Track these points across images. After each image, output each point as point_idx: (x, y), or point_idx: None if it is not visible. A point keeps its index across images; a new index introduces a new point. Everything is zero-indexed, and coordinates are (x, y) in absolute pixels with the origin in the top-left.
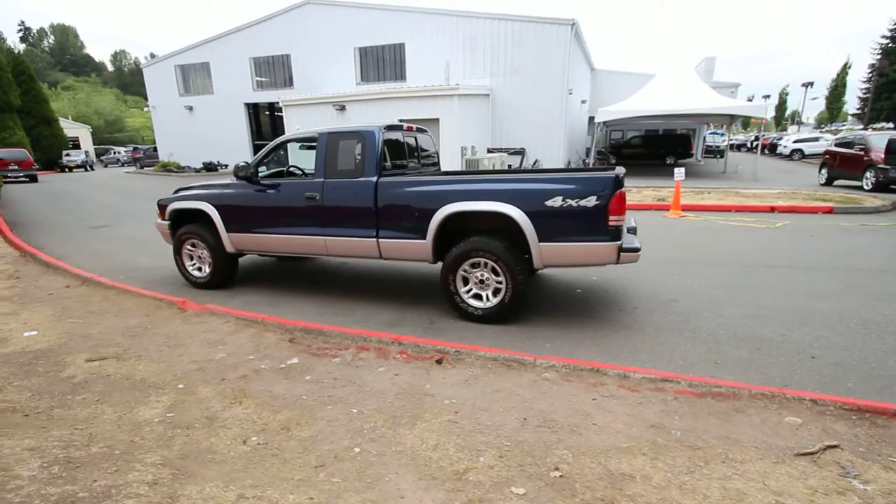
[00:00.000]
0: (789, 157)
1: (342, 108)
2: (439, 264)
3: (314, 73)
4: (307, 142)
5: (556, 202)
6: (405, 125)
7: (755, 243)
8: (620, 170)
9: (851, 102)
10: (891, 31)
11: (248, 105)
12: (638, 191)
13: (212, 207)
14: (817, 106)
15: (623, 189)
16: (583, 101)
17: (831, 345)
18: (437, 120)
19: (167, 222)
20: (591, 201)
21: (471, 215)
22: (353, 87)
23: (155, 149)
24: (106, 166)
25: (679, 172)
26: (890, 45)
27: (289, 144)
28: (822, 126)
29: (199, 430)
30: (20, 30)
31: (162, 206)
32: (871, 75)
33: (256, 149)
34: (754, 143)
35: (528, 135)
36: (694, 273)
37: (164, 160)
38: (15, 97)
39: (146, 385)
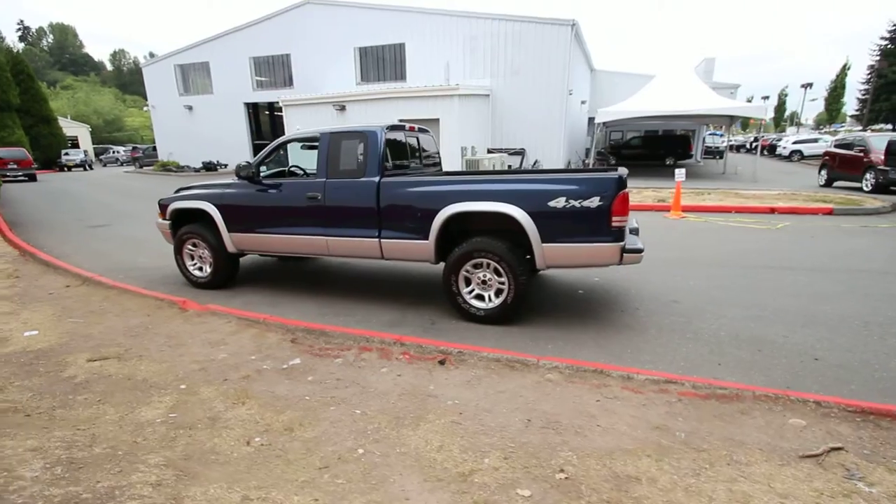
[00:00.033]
0: (788, 158)
1: (342, 108)
2: (441, 265)
3: (314, 72)
4: (309, 141)
5: (559, 203)
6: (407, 125)
7: (756, 244)
8: (623, 171)
9: (850, 104)
10: (890, 32)
11: (247, 105)
12: (638, 191)
13: (213, 207)
14: (816, 107)
15: (626, 190)
16: (583, 102)
17: (834, 346)
18: (437, 120)
19: (168, 222)
20: (594, 202)
21: (473, 216)
22: (353, 87)
23: (154, 148)
24: (105, 166)
25: (680, 173)
26: (889, 46)
27: (290, 144)
28: (821, 127)
29: (202, 430)
30: (19, 29)
31: (163, 206)
32: (870, 77)
33: (256, 148)
34: (753, 144)
35: (528, 135)
36: (695, 274)
37: (164, 160)
38: (14, 96)
39: (148, 385)
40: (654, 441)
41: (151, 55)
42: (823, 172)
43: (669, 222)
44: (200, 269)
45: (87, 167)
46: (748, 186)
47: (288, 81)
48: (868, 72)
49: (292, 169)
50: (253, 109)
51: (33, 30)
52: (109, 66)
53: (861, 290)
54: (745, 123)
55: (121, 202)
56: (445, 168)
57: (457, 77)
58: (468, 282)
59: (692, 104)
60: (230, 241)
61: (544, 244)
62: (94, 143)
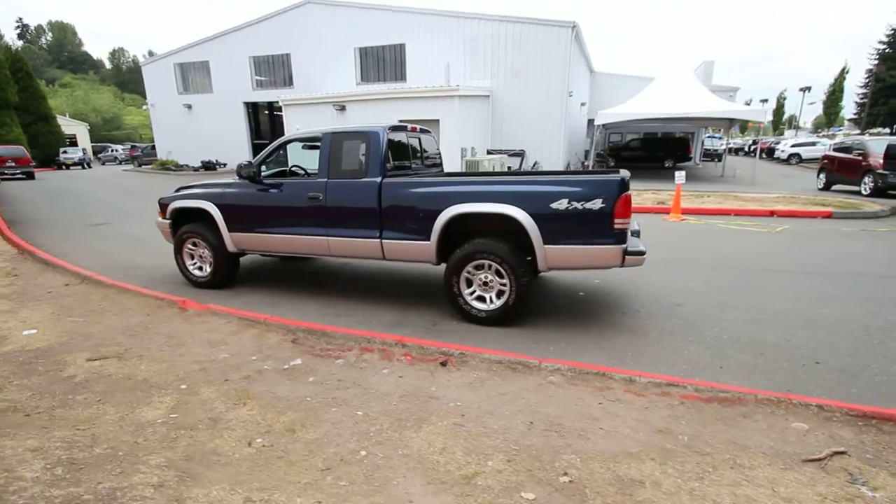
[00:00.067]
0: (787, 161)
1: (342, 109)
2: (442, 266)
3: (314, 72)
4: (311, 141)
5: (562, 205)
6: (409, 126)
7: (756, 247)
8: (626, 173)
9: (848, 107)
10: (888, 36)
11: (247, 104)
12: (637, 194)
13: (214, 206)
14: (814, 110)
15: (629, 192)
16: (582, 104)
17: (835, 350)
18: (437, 121)
19: (168, 221)
20: (596, 204)
21: (475, 217)
22: (353, 88)
23: (153, 147)
24: (103, 164)
25: (680, 175)
26: (887, 50)
27: (291, 144)
28: (819, 131)
29: (203, 431)
30: (18, 26)
31: (163, 205)
32: (868, 80)
33: (255, 148)
34: (752, 147)
35: (527, 136)
36: (696, 276)
37: (163, 158)
38: (12, 94)
39: (148, 385)
40: (657, 444)
41: (151, 54)
42: (822, 176)
43: (669, 224)
44: (200, 268)
45: (85, 165)
46: (747, 189)
47: (288, 81)
48: (866, 76)
49: (293, 169)
50: (252, 109)
51: (32, 27)
52: (108, 65)
53: (861, 294)
54: (744, 126)
55: (120, 200)
56: (445, 169)
57: (457, 78)
58: (469, 283)
59: (691, 107)
60: (230, 240)
61: (546, 246)
62: (92, 142)
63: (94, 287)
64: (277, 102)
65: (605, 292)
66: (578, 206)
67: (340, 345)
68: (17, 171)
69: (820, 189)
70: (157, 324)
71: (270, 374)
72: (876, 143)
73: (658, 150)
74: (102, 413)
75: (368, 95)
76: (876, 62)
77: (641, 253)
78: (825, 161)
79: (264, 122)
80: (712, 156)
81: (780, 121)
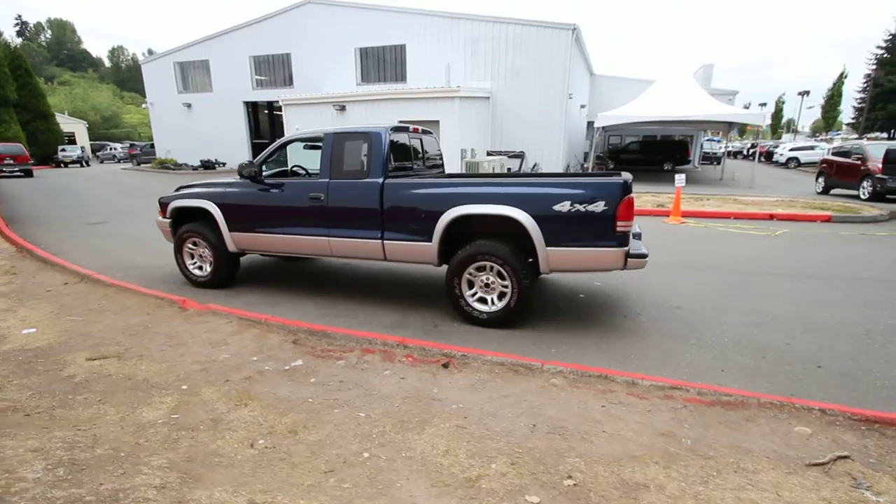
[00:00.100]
0: (785, 165)
1: (342, 109)
2: (443, 267)
3: (314, 72)
4: (313, 141)
5: (564, 207)
6: (411, 127)
7: (756, 251)
8: (628, 175)
9: (847, 112)
10: (886, 41)
11: (247, 103)
12: (637, 196)
13: (214, 206)
14: (813, 114)
15: (631, 195)
16: (582, 106)
17: (836, 354)
18: (437, 122)
19: (168, 220)
20: (599, 206)
21: (477, 218)
22: (353, 88)
23: (152, 145)
24: (102, 162)
25: (680, 178)
26: (885, 55)
27: (292, 144)
28: (817, 135)
29: (205, 432)
30: (17, 24)
31: (163, 204)
32: (866, 85)
33: (255, 147)
34: (751, 151)
35: (527, 138)
36: (696, 279)
37: (162, 157)
38: (11, 91)
39: (149, 385)
40: (660, 448)
41: (150, 52)
42: (821, 180)
43: (669, 227)
44: (200, 268)
45: (83, 164)
46: (746, 192)
47: (288, 81)
48: (865, 80)
49: (295, 169)
50: (252, 108)
51: (31, 25)
52: (108, 63)
53: (861, 298)
54: (742, 130)
55: (119, 199)
56: (446, 170)
57: (457, 79)
58: (471, 285)
59: (691, 110)
60: (231, 240)
61: (548, 248)
62: (91, 140)
63: (94, 286)
64: (277, 102)
65: (606, 295)
66: (581, 208)
67: (342, 346)
68: (16, 169)
69: (819, 193)
70: (157, 323)
71: (272, 375)
72: (875, 148)
73: (657, 152)
74: (103, 413)
75: (369, 96)
76: (874, 67)
77: (644, 256)
78: (824, 165)
79: (264, 122)
80: (711, 159)
81: (779, 125)
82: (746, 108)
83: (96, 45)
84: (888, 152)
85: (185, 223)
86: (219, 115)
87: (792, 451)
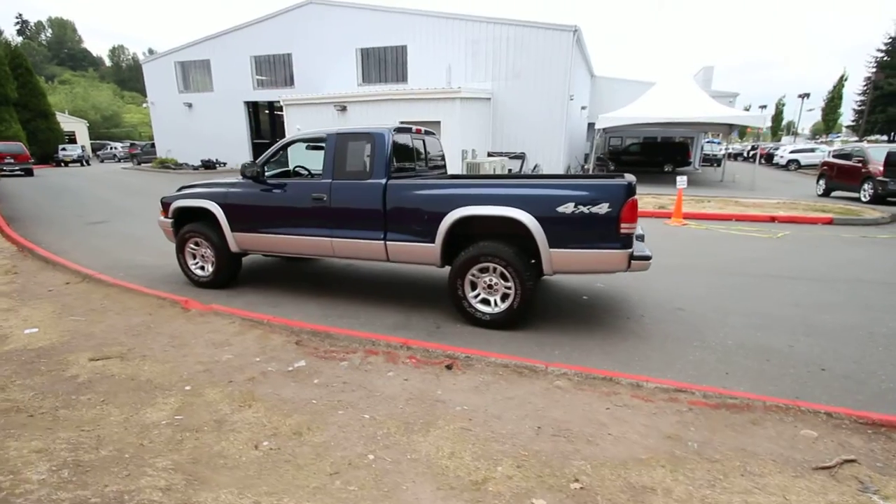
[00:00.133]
0: (785, 167)
1: (343, 109)
2: (445, 268)
3: (315, 72)
4: (315, 142)
5: (568, 208)
6: (414, 127)
7: (758, 253)
8: (632, 177)
9: (847, 114)
10: (886, 45)
11: (247, 103)
12: (638, 197)
13: (217, 206)
14: (813, 117)
15: (635, 197)
16: (583, 108)
17: (840, 357)
18: (438, 122)
19: (171, 220)
20: (602, 208)
21: (480, 220)
22: (354, 88)
23: (152, 145)
24: (102, 161)
25: (681, 180)
26: (885, 58)
27: (295, 145)
28: (817, 137)
29: (209, 433)
30: (17, 23)
31: (165, 204)
32: (866, 88)
33: (255, 147)
34: (751, 153)
35: (528, 139)
36: (699, 281)
37: (162, 157)
38: (12, 90)
39: (152, 386)
40: (666, 451)
41: (151, 52)
42: (822, 182)
43: (671, 229)
44: (202, 268)
45: (84, 163)
46: (747, 195)
47: (289, 81)
48: (865, 83)
49: (297, 169)
50: (253, 108)
51: (32, 24)
52: (108, 62)
53: (864, 301)
54: (743, 132)
55: (119, 198)
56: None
57: (458, 80)
58: (474, 286)
59: (691, 112)
60: (233, 240)
61: (552, 249)
62: (91, 139)
63: (95, 286)
64: (278, 102)
65: (609, 296)
66: (585, 210)
67: (345, 347)
68: (16, 168)
69: (819, 195)
70: (159, 323)
71: (275, 376)
72: (876, 150)
73: (658, 154)
74: (107, 414)
75: (370, 96)
76: (874, 70)
77: (647, 258)
78: (825, 167)
79: (265, 122)
80: (711, 161)
81: (779, 127)
82: (747, 110)
83: (97, 45)
84: (889, 155)
85: (187, 223)
86: (219, 115)
87: (798, 455)
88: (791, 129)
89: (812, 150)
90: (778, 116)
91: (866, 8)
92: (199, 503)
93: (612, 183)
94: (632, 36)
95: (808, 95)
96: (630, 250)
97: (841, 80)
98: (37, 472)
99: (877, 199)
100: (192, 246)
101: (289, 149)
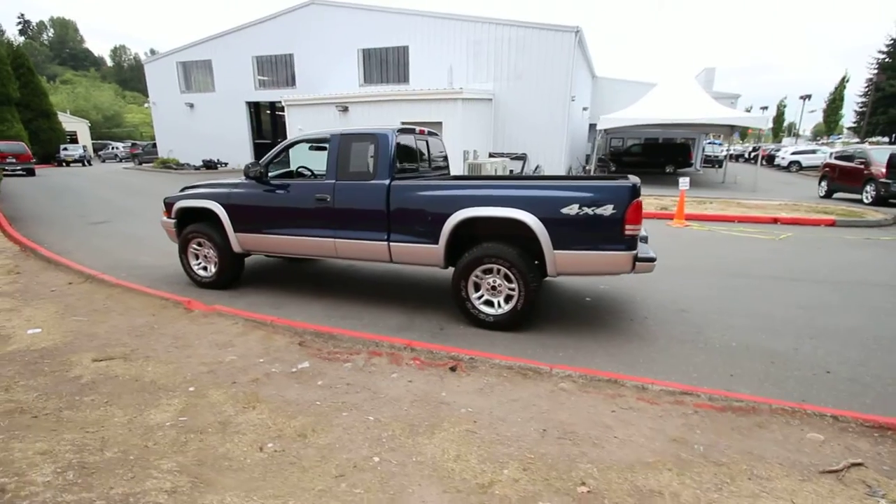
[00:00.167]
0: (787, 168)
1: (345, 109)
2: (448, 269)
3: (317, 73)
4: (319, 142)
5: (572, 210)
6: (417, 128)
7: (760, 254)
8: (636, 179)
9: (848, 116)
10: (888, 46)
11: (249, 104)
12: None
13: (220, 207)
14: (814, 118)
15: (640, 198)
16: (584, 108)
17: (844, 359)
18: (439, 123)
19: (173, 220)
20: (607, 210)
21: (484, 221)
22: (355, 89)
23: (154, 145)
24: (103, 161)
25: (684, 182)
26: (887, 60)
27: (298, 145)
28: (819, 139)
29: (213, 435)
30: (19, 22)
31: (168, 205)
32: (867, 90)
33: (257, 147)
34: (752, 154)
35: (529, 140)
36: (702, 283)
37: (164, 157)
38: (14, 90)
39: (156, 387)
40: (673, 454)
41: (152, 52)
42: (824, 184)
43: (673, 230)
44: (205, 268)
45: (85, 163)
46: (749, 196)
47: (290, 81)
48: (866, 85)
49: (300, 170)
50: (255, 108)
51: (34, 24)
52: (110, 62)
53: (868, 303)
54: (744, 133)
55: (121, 198)
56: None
57: (460, 81)
58: (477, 287)
59: (693, 113)
60: (236, 241)
61: (556, 251)
62: (93, 139)
63: (98, 286)
64: (280, 102)
65: (612, 298)
66: (589, 211)
67: (348, 348)
68: (18, 168)
69: (821, 197)
70: (162, 324)
71: (279, 378)
72: (878, 152)
73: (659, 155)
74: (110, 415)
75: (371, 97)
76: (876, 72)
77: (652, 259)
78: (827, 169)
79: (266, 122)
80: (713, 162)
81: (780, 128)
82: (748, 111)
83: (98, 45)
84: (892, 157)
85: (189, 223)
86: (221, 115)
87: (805, 458)
88: (792, 131)
89: (813, 152)
90: (779, 118)
91: (867, 9)
92: None
93: (616, 184)
94: (632, 36)
95: (809, 97)
96: (634, 252)
97: (842, 82)
98: (42, 473)
99: (879, 201)
100: (194, 246)
101: (292, 149)
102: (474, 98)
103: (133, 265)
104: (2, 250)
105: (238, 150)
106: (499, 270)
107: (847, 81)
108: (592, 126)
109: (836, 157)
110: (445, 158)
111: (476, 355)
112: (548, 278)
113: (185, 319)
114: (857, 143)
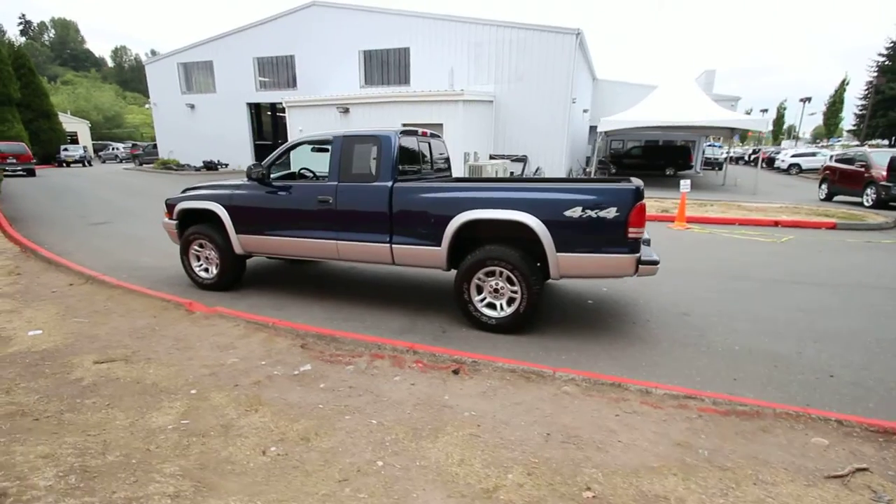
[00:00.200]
0: (787, 171)
1: (346, 111)
2: (450, 272)
3: (318, 74)
4: (321, 144)
5: (576, 212)
6: (420, 130)
7: (762, 257)
8: (639, 182)
9: (848, 119)
10: (888, 49)
11: (250, 105)
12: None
13: (221, 208)
14: (814, 121)
15: (643, 201)
16: (585, 111)
17: (848, 363)
18: (440, 125)
19: (175, 222)
20: (610, 213)
21: (487, 223)
22: (356, 90)
23: (154, 146)
24: (104, 162)
25: (685, 184)
26: (887, 63)
27: (300, 147)
28: (818, 141)
29: (216, 438)
30: (20, 23)
31: (170, 206)
32: (867, 92)
33: (257, 149)
34: (752, 156)
35: (530, 142)
36: (704, 286)
37: (164, 158)
38: (14, 90)
39: (157, 389)
40: (677, 458)
41: (153, 53)
42: (824, 186)
43: (674, 233)
44: (206, 270)
45: (86, 163)
46: (749, 199)
47: (291, 82)
48: (866, 88)
49: (302, 171)
50: (255, 110)
51: (35, 24)
52: (111, 63)
53: (871, 307)
54: (744, 136)
55: (122, 199)
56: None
57: (461, 82)
58: (480, 290)
59: (694, 115)
60: (238, 242)
61: (559, 254)
62: (93, 140)
63: (99, 287)
64: (280, 104)
65: (614, 301)
66: (592, 214)
67: (350, 351)
68: (19, 168)
69: (822, 199)
70: (163, 326)
71: (281, 380)
72: (879, 155)
73: (659, 157)
74: (112, 418)
75: (372, 98)
76: (876, 74)
77: (655, 262)
78: (827, 172)
79: (267, 124)
80: (713, 164)
81: (780, 131)
82: (748, 113)
83: (99, 46)
84: (892, 160)
85: (191, 225)
86: (222, 117)
87: (810, 463)
88: (792, 133)
89: (813, 155)
90: (779, 120)
91: (867, 11)
92: None
93: (620, 187)
94: (632, 37)
95: (809, 99)
96: (638, 255)
97: (842, 85)
98: (43, 477)
99: (879, 204)
100: (196, 248)
101: (293, 151)
102: (475, 100)
103: (134, 266)
104: (2, 251)
105: (239, 151)
106: (501, 273)
107: (847, 84)
108: (593, 128)
109: (837, 160)
110: (447, 160)
111: (479, 358)
112: (550, 281)
113: (186, 321)
114: (857, 145)
